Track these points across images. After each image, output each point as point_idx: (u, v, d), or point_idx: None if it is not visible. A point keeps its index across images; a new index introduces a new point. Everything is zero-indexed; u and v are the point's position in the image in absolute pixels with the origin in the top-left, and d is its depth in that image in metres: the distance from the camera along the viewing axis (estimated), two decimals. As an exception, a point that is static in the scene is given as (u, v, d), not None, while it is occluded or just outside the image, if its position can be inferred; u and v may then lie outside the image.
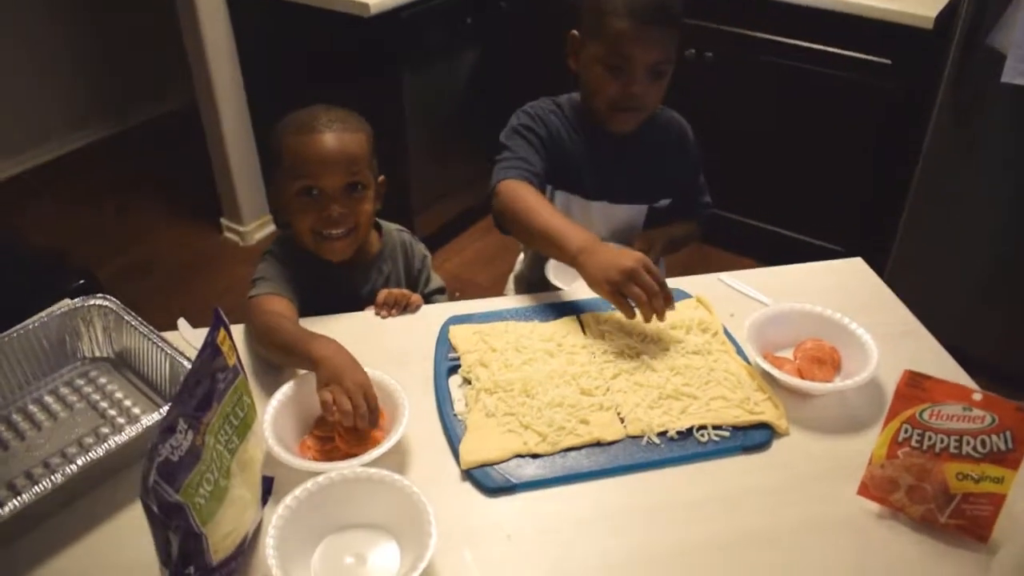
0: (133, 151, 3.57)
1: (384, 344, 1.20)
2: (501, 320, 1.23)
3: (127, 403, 1.09)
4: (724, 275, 1.35)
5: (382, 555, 0.89)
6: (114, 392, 1.11)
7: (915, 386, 0.88)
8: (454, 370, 1.15)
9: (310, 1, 2.37)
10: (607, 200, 1.44)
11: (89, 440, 1.04)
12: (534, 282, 1.49)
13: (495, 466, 0.99)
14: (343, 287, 1.31)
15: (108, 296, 1.17)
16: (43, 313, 1.15)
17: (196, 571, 0.79)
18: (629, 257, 1.12)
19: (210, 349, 0.79)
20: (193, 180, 3.04)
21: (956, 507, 0.91)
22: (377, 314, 1.26)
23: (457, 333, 1.20)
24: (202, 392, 0.79)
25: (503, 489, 0.97)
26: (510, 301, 1.30)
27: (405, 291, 1.29)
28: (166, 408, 0.97)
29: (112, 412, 1.08)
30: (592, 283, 1.15)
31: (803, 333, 1.18)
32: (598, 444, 1.03)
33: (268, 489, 0.95)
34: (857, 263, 1.41)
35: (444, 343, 1.19)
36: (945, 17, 2.13)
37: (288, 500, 0.87)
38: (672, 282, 1.32)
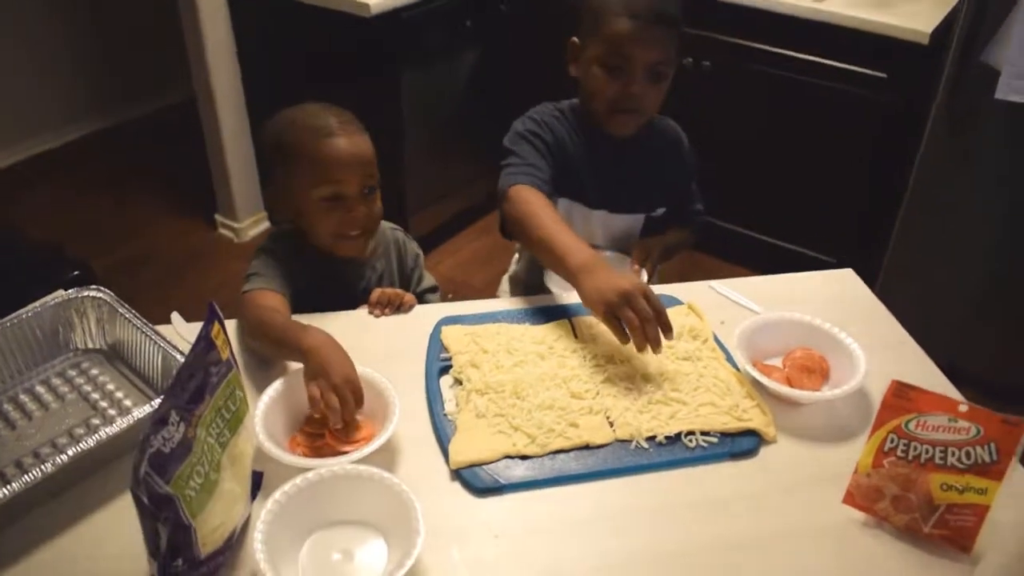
0: (130, 144, 3.56)
1: (376, 343, 1.20)
2: (493, 322, 1.24)
3: (118, 395, 1.10)
4: (715, 283, 1.36)
5: (370, 552, 0.89)
6: (106, 384, 1.11)
7: (902, 396, 0.89)
8: (445, 370, 1.15)
9: (311, 0, 2.37)
10: (607, 209, 1.44)
11: (80, 431, 1.04)
12: (529, 283, 1.49)
13: (484, 466, 1.00)
14: (338, 284, 1.32)
15: (102, 288, 1.17)
16: (36, 303, 1.14)
17: (184, 563, 0.79)
18: (628, 281, 1.11)
19: (204, 342, 0.80)
20: (190, 175, 3.04)
21: (940, 517, 0.91)
22: (370, 313, 1.27)
23: (449, 334, 1.20)
24: (195, 385, 0.79)
25: (492, 489, 0.98)
26: (503, 303, 1.31)
27: (399, 291, 1.30)
28: (158, 401, 0.97)
29: (103, 404, 1.08)
30: (588, 303, 1.15)
31: (792, 342, 1.19)
32: (587, 447, 1.03)
33: (257, 484, 0.96)
34: (848, 274, 1.42)
35: (436, 343, 1.19)
36: (941, 33, 2.15)
37: (277, 495, 0.87)
38: (664, 288, 1.33)
